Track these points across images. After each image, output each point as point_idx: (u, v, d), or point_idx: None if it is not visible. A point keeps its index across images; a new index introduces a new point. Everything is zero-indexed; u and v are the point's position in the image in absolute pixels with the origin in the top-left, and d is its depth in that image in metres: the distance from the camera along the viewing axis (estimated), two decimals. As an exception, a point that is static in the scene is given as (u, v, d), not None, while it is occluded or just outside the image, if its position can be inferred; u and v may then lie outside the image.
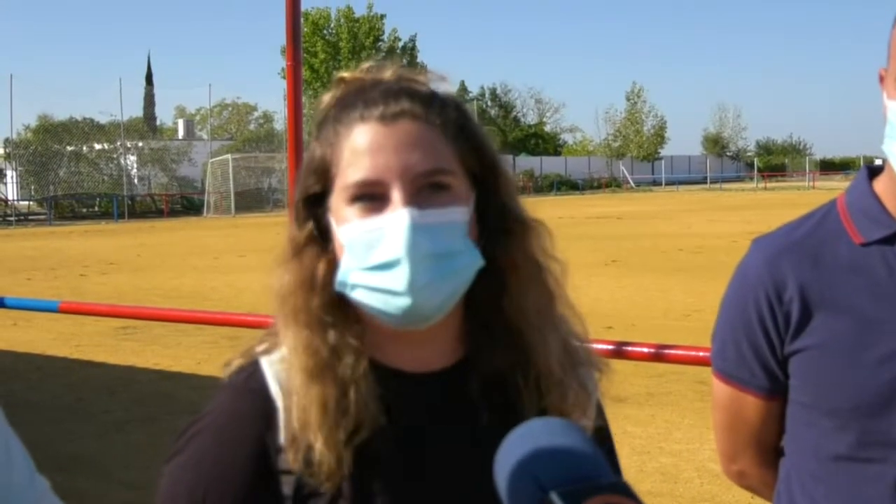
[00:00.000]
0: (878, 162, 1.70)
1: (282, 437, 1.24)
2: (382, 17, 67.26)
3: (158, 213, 52.35)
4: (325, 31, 66.54)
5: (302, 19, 4.04)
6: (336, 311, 1.26)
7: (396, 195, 1.20)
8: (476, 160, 1.28)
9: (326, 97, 1.32)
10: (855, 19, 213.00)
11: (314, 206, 1.29)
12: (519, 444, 1.03)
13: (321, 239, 1.28)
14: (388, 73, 1.30)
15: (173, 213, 52.41)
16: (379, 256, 1.20)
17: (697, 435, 6.93)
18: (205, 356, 10.73)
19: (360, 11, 67.35)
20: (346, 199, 1.23)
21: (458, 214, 1.23)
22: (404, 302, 1.20)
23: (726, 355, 1.77)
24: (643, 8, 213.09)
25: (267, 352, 1.31)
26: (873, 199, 1.65)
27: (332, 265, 1.27)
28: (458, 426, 1.30)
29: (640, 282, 15.19)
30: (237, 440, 1.25)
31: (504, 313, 1.30)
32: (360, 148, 1.22)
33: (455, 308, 1.26)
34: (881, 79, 1.62)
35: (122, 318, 11.03)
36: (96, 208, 53.00)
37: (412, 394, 1.28)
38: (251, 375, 1.29)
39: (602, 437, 1.38)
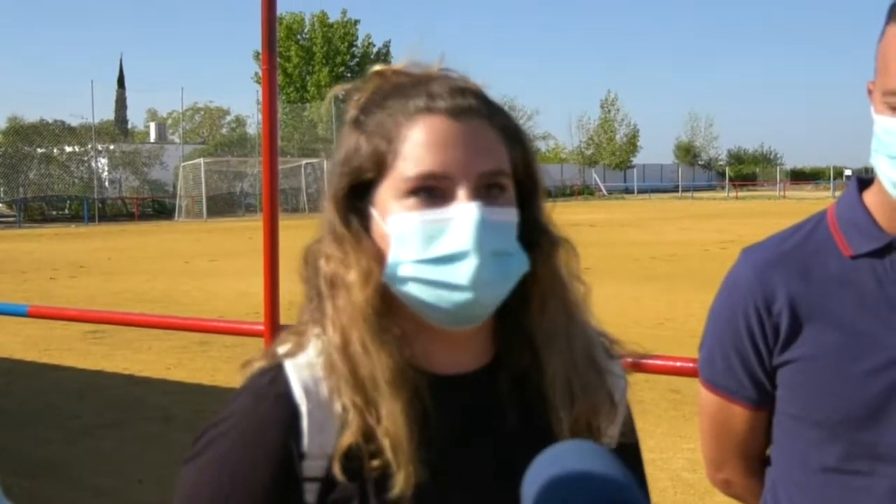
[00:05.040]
0: (847, 172, 1.70)
1: (305, 444, 1.21)
2: (356, 22, 67.36)
3: (129, 217, 52.00)
4: (298, 36, 66.51)
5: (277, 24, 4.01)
6: (389, 308, 1.23)
7: (462, 191, 1.19)
8: (523, 169, 1.27)
9: (360, 89, 1.30)
10: (827, 30, 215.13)
11: (353, 198, 1.26)
12: (548, 466, 1.01)
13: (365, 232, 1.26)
14: (434, 71, 1.28)
15: (144, 217, 52.10)
16: (442, 248, 1.18)
17: (671, 444, 6.95)
18: (175, 361, 10.67)
19: (334, 17, 67.43)
20: (403, 190, 1.20)
21: (513, 216, 1.23)
22: (464, 297, 1.18)
23: (714, 365, 1.77)
24: (616, 16, 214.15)
25: (291, 354, 1.27)
26: (863, 212, 1.65)
27: (380, 259, 1.23)
28: (486, 428, 1.28)
29: (613, 290, 15.21)
30: (261, 445, 1.21)
31: (525, 323, 1.29)
32: (427, 140, 1.20)
33: None
34: (869, 92, 1.62)
35: (93, 323, 10.92)
36: (66, 211, 52.62)
37: (445, 396, 1.25)
38: (275, 379, 1.24)
39: (629, 452, 1.37)
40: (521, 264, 1.23)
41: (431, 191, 1.19)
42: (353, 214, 1.26)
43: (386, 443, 1.18)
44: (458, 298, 1.19)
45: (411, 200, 1.20)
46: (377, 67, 1.31)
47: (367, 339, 1.21)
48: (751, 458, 1.82)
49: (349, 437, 1.20)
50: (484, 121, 1.23)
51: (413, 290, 1.21)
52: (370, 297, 1.22)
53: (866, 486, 1.60)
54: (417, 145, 1.20)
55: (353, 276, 1.23)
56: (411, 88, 1.24)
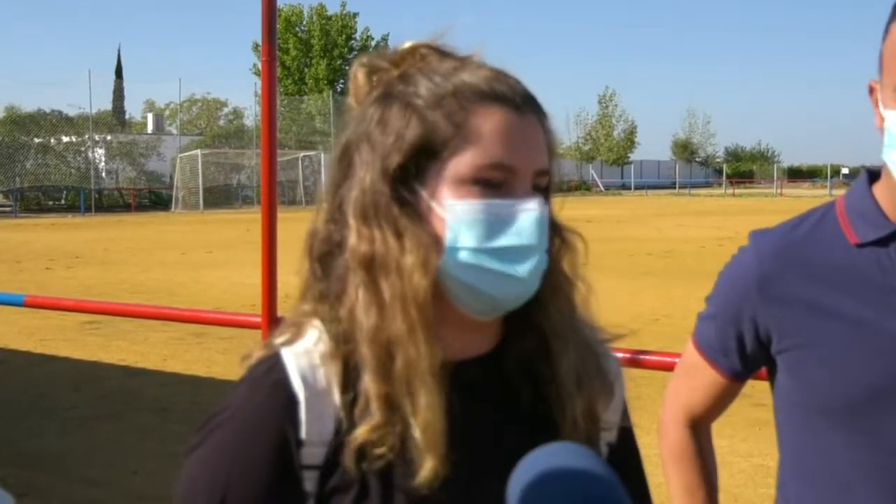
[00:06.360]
0: (844, 171, 1.72)
1: (303, 432, 1.20)
2: (355, 15, 67.24)
3: (126, 208, 51.92)
4: (297, 29, 66.38)
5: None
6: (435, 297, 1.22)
7: (523, 185, 1.21)
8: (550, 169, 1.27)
9: (394, 64, 1.28)
10: (826, 29, 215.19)
11: (403, 177, 1.22)
12: (532, 467, 1.01)
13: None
14: (477, 60, 1.27)
15: (141, 208, 51.99)
16: (506, 240, 1.19)
17: (665, 439, 6.93)
18: (171, 352, 10.66)
19: (332, 9, 67.34)
20: (466, 177, 1.19)
21: (548, 215, 1.26)
22: (521, 288, 1.20)
23: (709, 337, 1.82)
24: (615, 12, 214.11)
25: (289, 343, 1.26)
26: (871, 202, 1.67)
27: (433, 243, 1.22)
28: (489, 412, 1.28)
29: (610, 286, 15.21)
30: (258, 434, 1.20)
31: (531, 312, 1.28)
32: (498, 130, 1.20)
33: None
34: (871, 90, 1.63)
35: (88, 313, 10.91)
36: (63, 201, 52.48)
37: (451, 381, 1.22)
38: (272, 368, 1.23)
39: (625, 436, 1.41)
40: (546, 261, 1.24)
41: (490, 182, 1.20)
42: (403, 193, 1.23)
43: (421, 435, 1.17)
44: (514, 289, 1.20)
45: (475, 188, 1.20)
46: (409, 44, 1.28)
47: (419, 328, 1.19)
48: (699, 416, 1.93)
49: (369, 428, 1.18)
50: (540, 120, 1.25)
51: (469, 276, 1.20)
52: (430, 284, 1.20)
53: (869, 475, 1.60)
54: (487, 133, 1.20)
55: (410, 260, 1.20)
56: (470, 73, 1.23)
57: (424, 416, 1.18)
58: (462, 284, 1.21)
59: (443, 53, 1.28)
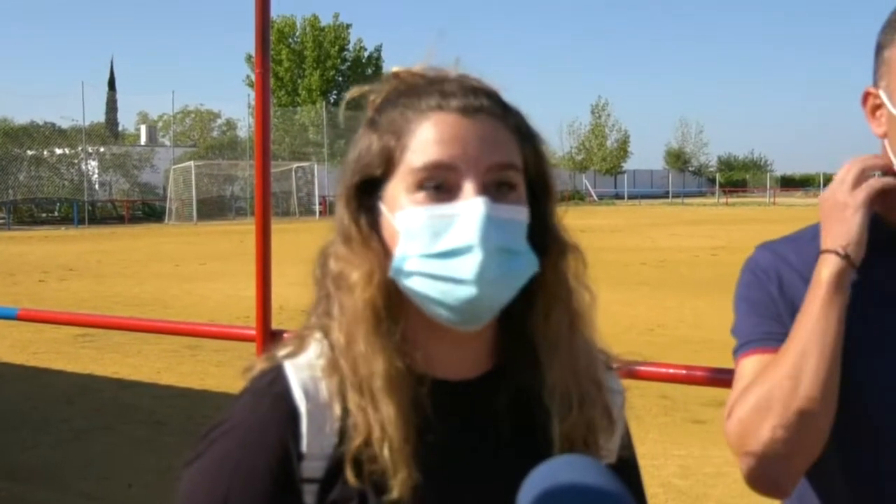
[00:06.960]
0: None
1: (304, 445, 1.20)
2: (348, 26, 67.40)
3: (119, 220, 51.90)
4: (290, 40, 66.52)
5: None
6: (393, 310, 1.23)
7: (469, 185, 1.19)
8: (535, 169, 1.27)
9: (376, 90, 1.30)
10: (817, 37, 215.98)
11: (364, 196, 1.26)
12: (541, 482, 1.00)
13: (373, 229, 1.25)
14: (450, 73, 1.28)
15: (134, 220, 52.00)
16: (448, 243, 1.18)
17: (662, 451, 6.93)
18: (165, 365, 10.63)
19: (325, 20, 67.49)
20: (411, 183, 1.20)
21: (523, 214, 1.23)
22: (468, 292, 1.17)
23: (760, 331, 1.67)
24: (607, 22, 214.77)
25: (291, 356, 1.27)
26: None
27: (387, 258, 1.23)
28: (484, 437, 1.28)
29: (603, 296, 14.96)
30: (260, 445, 1.20)
31: (528, 329, 1.28)
32: (437, 136, 1.20)
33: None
34: (865, 98, 1.63)
35: (82, 327, 10.88)
36: (56, 213, 52.46)
37: (444, 401, 1.24)
38: (274, 380, 1.24)
39: (627, 468, 1.36)
40: (529, 264, 1.22)
41: (440, 185, 1.19)
42: (363, 213, 1.26)
43: (383, 447, 1.18)
44: (462, 293, 1.18)
45: (420, 195, 1.20)
46: (395, 69, 1.31)
47: (366, 341, 1.21)
48: None
49: (358, 440, 1.19)
50: (496, 120, 1.23)
51: (418, 284, 1.20)
52: (372, 297, 1.21)
53: (868, 474, 1.59)
54: (426, 141, 1.20)
55: (356, 276, 1.23)
56: (424, 88, 1.25)
57: (381, 429, 1.18)
58: (415, 294, 1.22)
59: (420, 74, 1.29)
